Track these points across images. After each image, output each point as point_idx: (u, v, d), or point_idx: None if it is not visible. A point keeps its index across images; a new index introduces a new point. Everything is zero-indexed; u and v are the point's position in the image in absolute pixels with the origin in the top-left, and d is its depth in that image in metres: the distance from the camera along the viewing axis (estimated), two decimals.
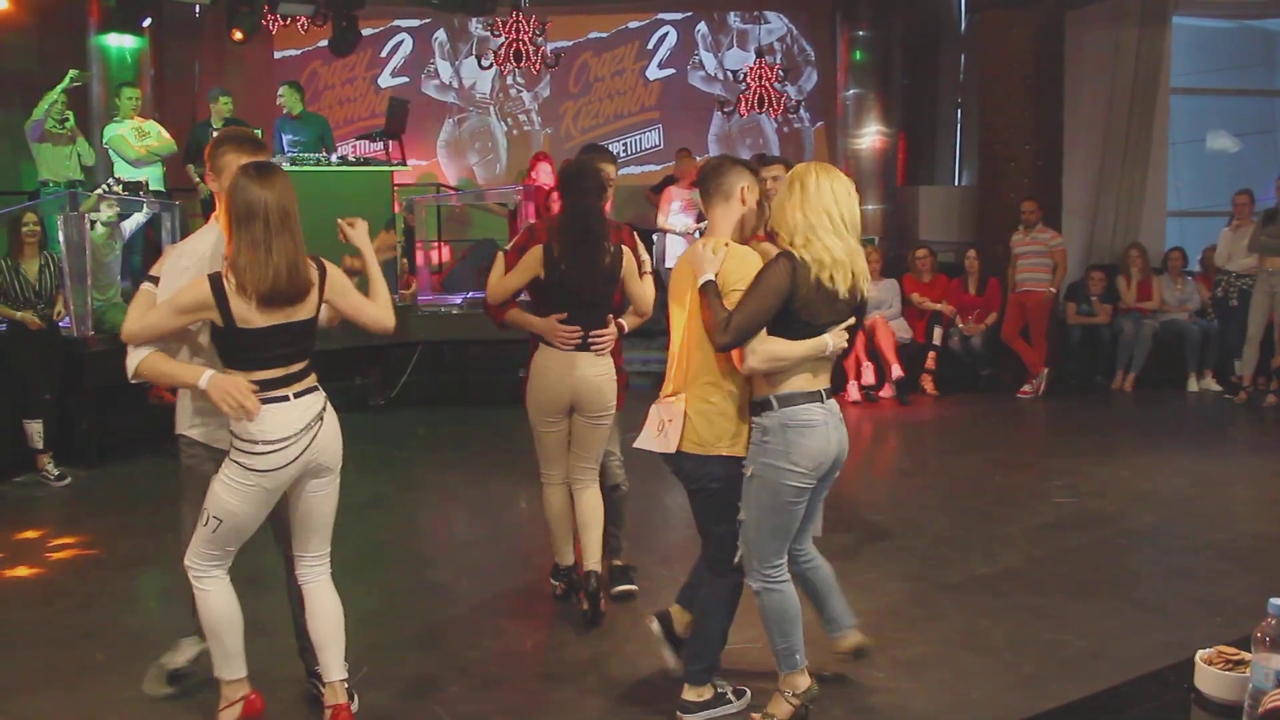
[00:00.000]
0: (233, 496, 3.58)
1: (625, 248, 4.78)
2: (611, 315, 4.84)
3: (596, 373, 4.77)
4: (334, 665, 3.80)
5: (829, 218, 3.64)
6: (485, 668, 4.47)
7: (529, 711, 4.11)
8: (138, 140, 9.65)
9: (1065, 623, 4.84)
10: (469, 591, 5.40)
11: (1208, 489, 7.13)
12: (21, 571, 5.77)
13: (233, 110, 10.48)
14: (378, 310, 3.87)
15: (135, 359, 3.61)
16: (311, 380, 3.67)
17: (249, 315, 3.48)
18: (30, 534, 6.41)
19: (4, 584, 5.59)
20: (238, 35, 11.32)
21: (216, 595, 3.71)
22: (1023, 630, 4.76)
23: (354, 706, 3.86)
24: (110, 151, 9.79)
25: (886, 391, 9.95)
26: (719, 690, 4.03)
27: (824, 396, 3.73)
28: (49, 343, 7.59)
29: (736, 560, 3.85)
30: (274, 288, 3.47)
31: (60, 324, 7.81)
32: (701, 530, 4.02)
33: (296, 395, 3.60)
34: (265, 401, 3.54)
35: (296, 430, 3.57)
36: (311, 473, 3.66)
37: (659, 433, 3.87)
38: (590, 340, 4.74)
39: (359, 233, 4.03)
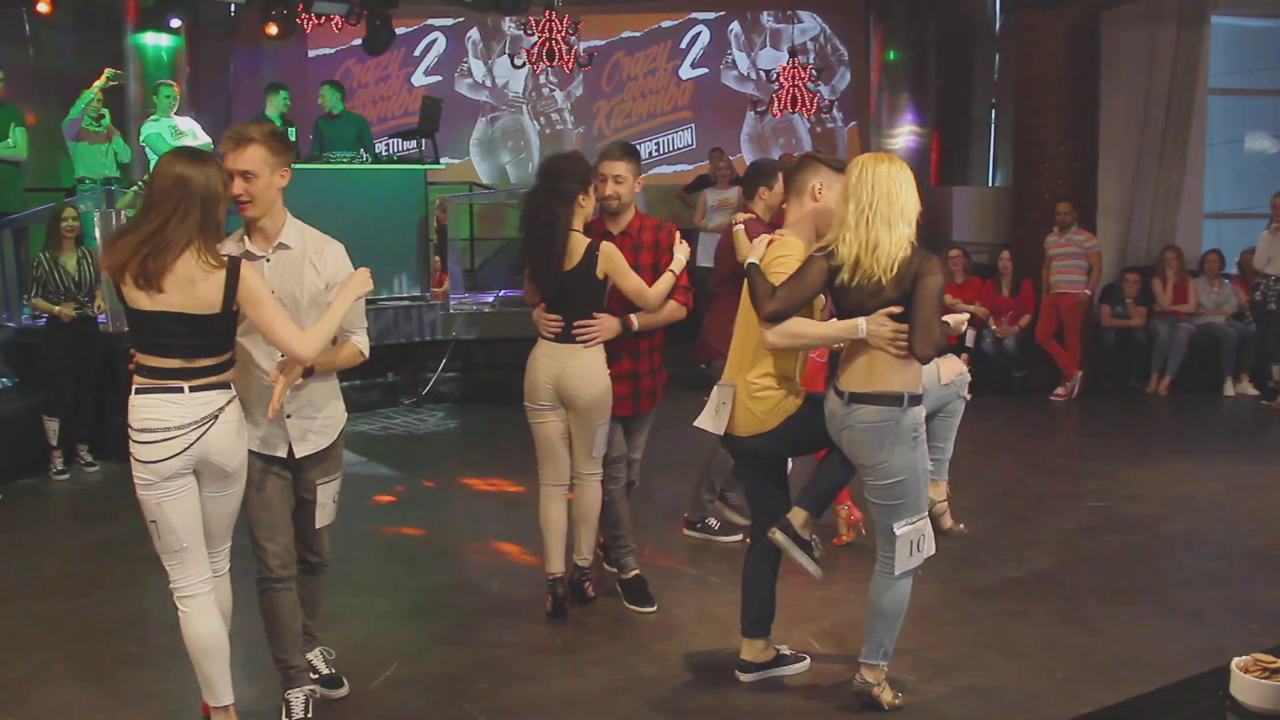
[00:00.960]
0: (142, 493, 3.54)
1: (607, 246, 4.79)
2: (603, 310, 4.84)
3: (578, 364, 4.80)
4: (216, 685, 3.65)
5: (859, 206, 3.71)
6: (514, 664, 4.48)
7: (558, 709, 4.11)
8: (174, 138, 9.72)
9: (1098, 627, 4.80)
10: (498, 589, 5.41)
11: (1243, 494, 7.05)
12: (56, 564, 5.82)
13: (288, 107, 10.57)
14: (290, 332, 3.52)
15: None
16: (219, 378, 3.51)
17: (133, 295, 3.40)
18: (65, 527, 6.48)
19: (39, 576, 5.64)
20: (272, 30, 11.39)
21: (193, 618, 3.58)
22: (1054, 634, 4.73)
23: None
24: (146, 149, 9.88)
25: None
26: (781, 652, 4.27)
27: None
28: (85, 337, 7.67)
29: None
30: (126, 265, 3.35)
31: (99, 318, 7.88)
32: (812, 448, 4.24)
33: (193, 389, 3.45)
34: (157, 391, 3.46)
35: (183, 424, 3.44)
36: (208, 473, 3.53)
37: (715, 414, 4.10)
38: (574, 331, 4.79)
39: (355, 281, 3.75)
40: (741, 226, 5.53)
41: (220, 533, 3.69)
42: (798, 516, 4.03)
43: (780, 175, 5.39)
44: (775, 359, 3.99)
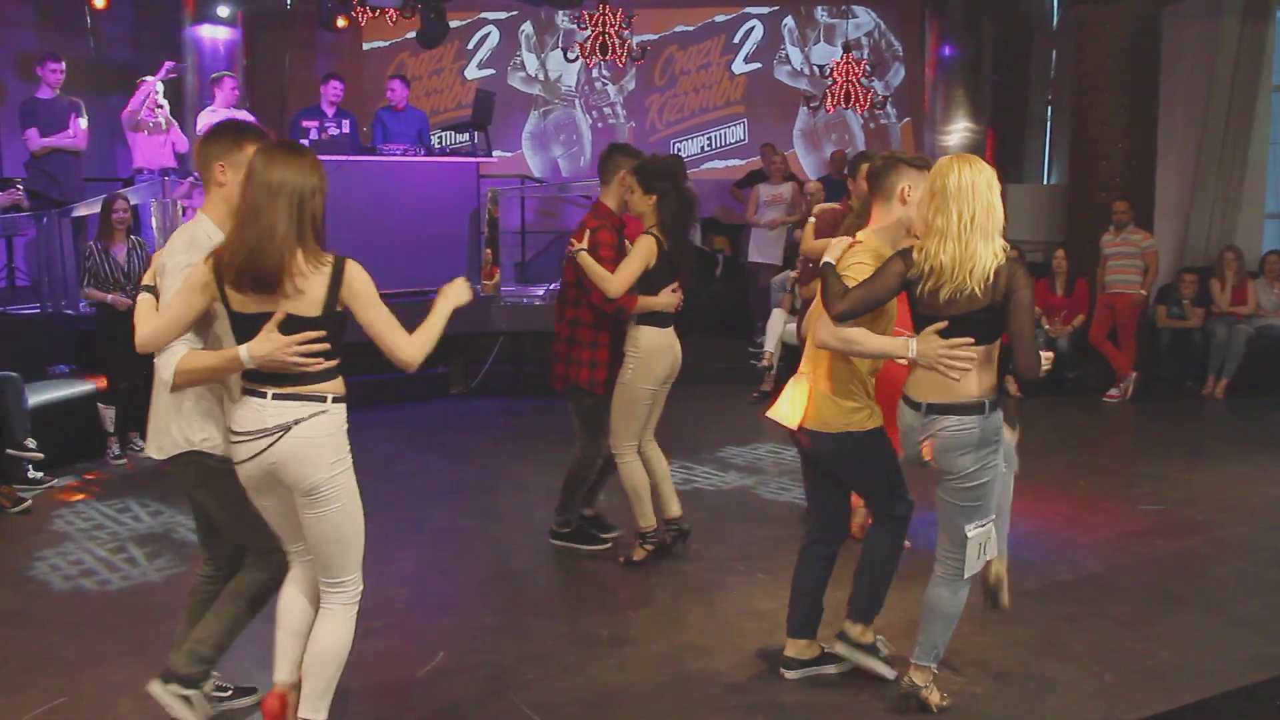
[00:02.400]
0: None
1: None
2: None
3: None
4: (308, 699, 3.48)
5: (960, 217, 3.65)
6: (561, 657, 4.49)
7: (603, 702, 4.12)
8: None
9: (1149, 633, 4.74)
10: (546, 581, 5.43)
11: None
12: (109, 548, 5.91)
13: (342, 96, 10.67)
14: (399, 338, 3.42)
15: (170, 362, 3.44)
16: (308, 389, 3.34)
17: (236, 297, 3.30)
18: (119, 511, 6.57)
19: (93, 559, 5.74)
20: (341, 23, 11.48)
21: (283, 591, 3.66)
22: (1105, 638, 4.67)
23: None
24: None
25: None
26: (878, 639, 4.29)
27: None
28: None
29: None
30: (242, 265, 3.23)
31: None
32: (865, 494, 4.33)
33: (275, 397, 3.32)
34: (247, 393, 3.36)
35: (255, 430, 3.32)
36: (288, 486, 3.37)
37: (789, 407, 4.14)
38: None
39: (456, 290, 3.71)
40: (813, 220, 5.85)
41: (323, 560, 3.46)
42: (853, 629, 4.21)
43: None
44: (852, 363, 3.98)
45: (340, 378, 3.42)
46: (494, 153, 11.83)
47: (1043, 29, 13.42)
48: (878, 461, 4.11)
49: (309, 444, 3.31)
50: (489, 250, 10.69)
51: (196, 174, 8.94)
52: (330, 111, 10.29)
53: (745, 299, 11.61)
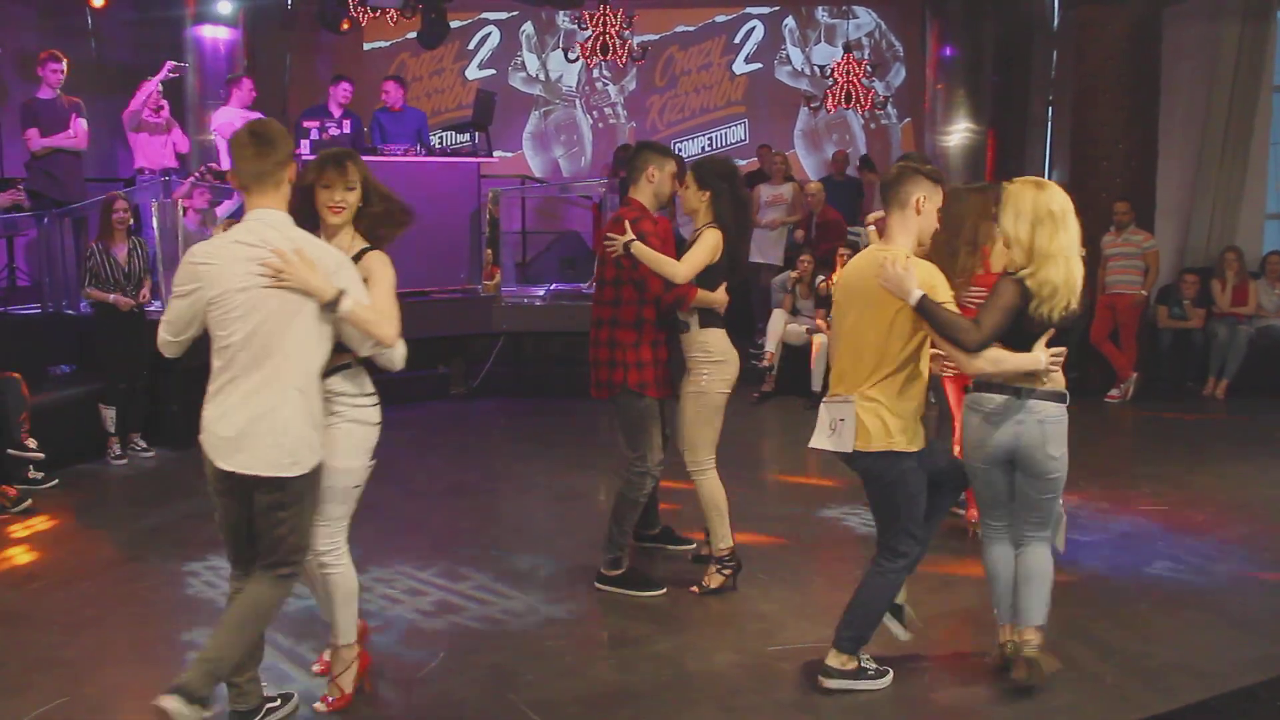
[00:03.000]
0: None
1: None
2: None
3: None
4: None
5: (1070, 240, 3.98)
6: (561, 658, 4.50)
7: (603, 703, 4.12)
8: None
9: (1150, 634, 4.74)
10: (547, 581, 5.42)
11: None
12: (112, 549, 5.92)
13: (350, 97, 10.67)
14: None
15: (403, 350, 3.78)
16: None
17: None
18: (119, 512, 6.58)
19: (95, 561, 5.74)
20: (345, 25, 11.48)
21: (350, 568, 3.96)
22: (1106, 639, 4.67)
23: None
24: (217, 136, 10.11)
25: None
26: (863, 664, 4.20)
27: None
28: (137, 326, 7.78)
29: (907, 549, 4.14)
30: None
31: (148, 307, 7.98)
32: (878, 519, 4.23)
33: None
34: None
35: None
36: None
37: (833, 432, 4.09)
38: None
39: None
40: (873, 228, 5.66)
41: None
42: (835, 660, 4.16)
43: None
44: (903, 383, 4.03)
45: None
46: (495, 153, 11.83)
47: (1043, 30, 13.40)
48: (903, 487, 4.07)
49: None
50: (489, 251, 10.69)
51: (197, 174, 9.02)
52: (337, 112, 10.30)
53: (746, 299, 11.60)
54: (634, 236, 4.90)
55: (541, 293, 10.64)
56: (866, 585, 4.19)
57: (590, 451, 8.05)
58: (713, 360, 5.07)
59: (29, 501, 6.56)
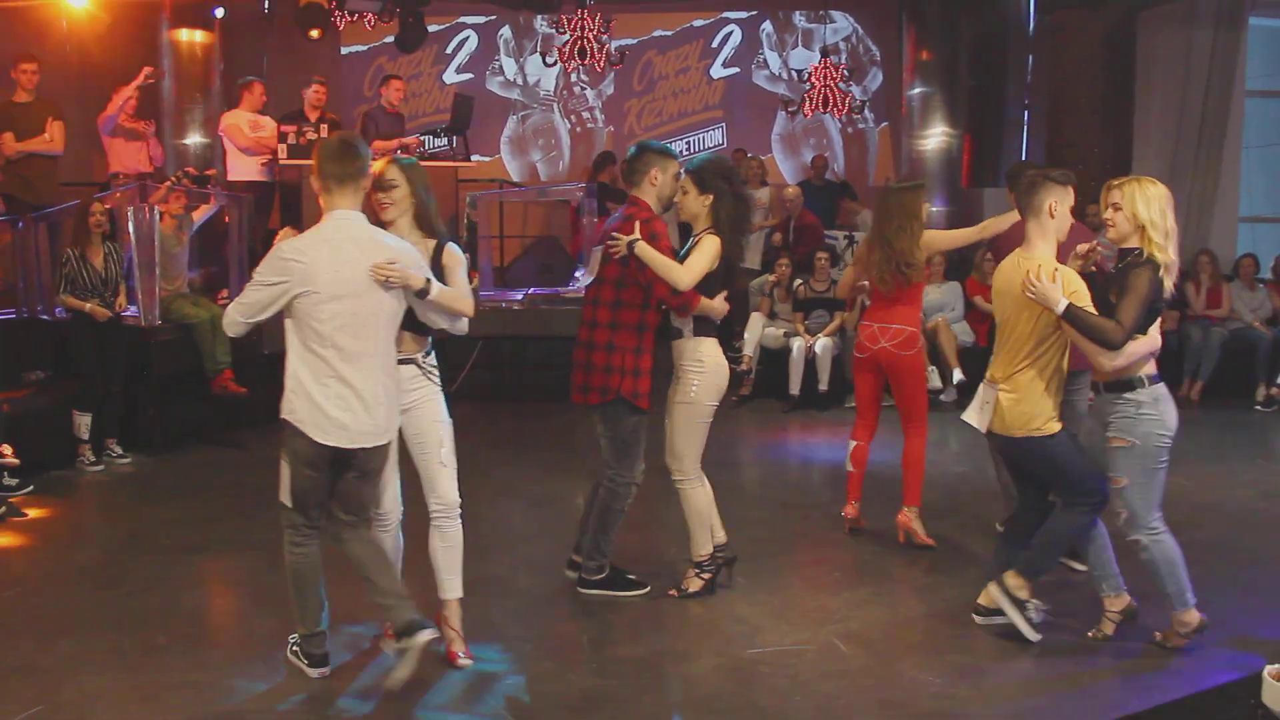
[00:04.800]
0: None
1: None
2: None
3: None
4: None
5: (1167, 223, 4.34)
6: (540, 661, 4.49)
7: (583, 706, 4.12)
8: (251, 132, 9.90)
9: (1127, 633, 4.75)
10: (525, 586, 5.42)
11: (1276, 501, 6.98)
12: (87, 555, 5.88)
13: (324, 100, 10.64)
14: None
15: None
16: None
17: None
18: (95, 519, 6.54)
19: (71, 567, 5.70)
20: (315, 33, 11.44)
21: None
22: (1083, 640, 4.69)
23: None
24: (224, 139, 10.14)
25: (949, 395, 9.81)
26: (1030, 602, 4.58)
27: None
28: (112, 333, 7.73)
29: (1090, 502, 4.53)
30: None
31: (123, 313, 7.94)
32: (1047, 483, 4.67)
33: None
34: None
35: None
36: None
37: (979, 411, 4.62)
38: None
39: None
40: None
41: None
42: (1011, 580, 4.54)
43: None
44: (1044, 375, 4.47)
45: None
46: (472, 157, 11.81)
47: (1019, 35, 13.47)
48: (1059, 458, 4.49)
49: None
50: (467, 255, 10.65)
51: (173, 179, 8.96)
52: (313, 115, 10.24)
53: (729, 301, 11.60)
54: (638, 237, 4.79)
55: (519, 296, 10.62)
56: (1054, 519, 4.57)
57: (568, 456, 8.05)
58: (704, 372, 4.98)
59: (2, 509, 6.51)
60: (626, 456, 5.03)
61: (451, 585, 4.51)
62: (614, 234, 4.85)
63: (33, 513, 6.60)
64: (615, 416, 5.00)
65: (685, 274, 4.81)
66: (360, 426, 4.03)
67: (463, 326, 4.40)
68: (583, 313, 5.11)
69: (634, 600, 5.13)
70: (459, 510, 4.46)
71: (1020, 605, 4.54)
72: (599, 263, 5.08)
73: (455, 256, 4.41)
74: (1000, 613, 4.59)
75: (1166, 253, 4.34)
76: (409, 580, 4.36)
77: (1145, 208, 4.35)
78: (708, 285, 4.95)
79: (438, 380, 4.48)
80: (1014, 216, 5.37)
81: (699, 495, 5.08)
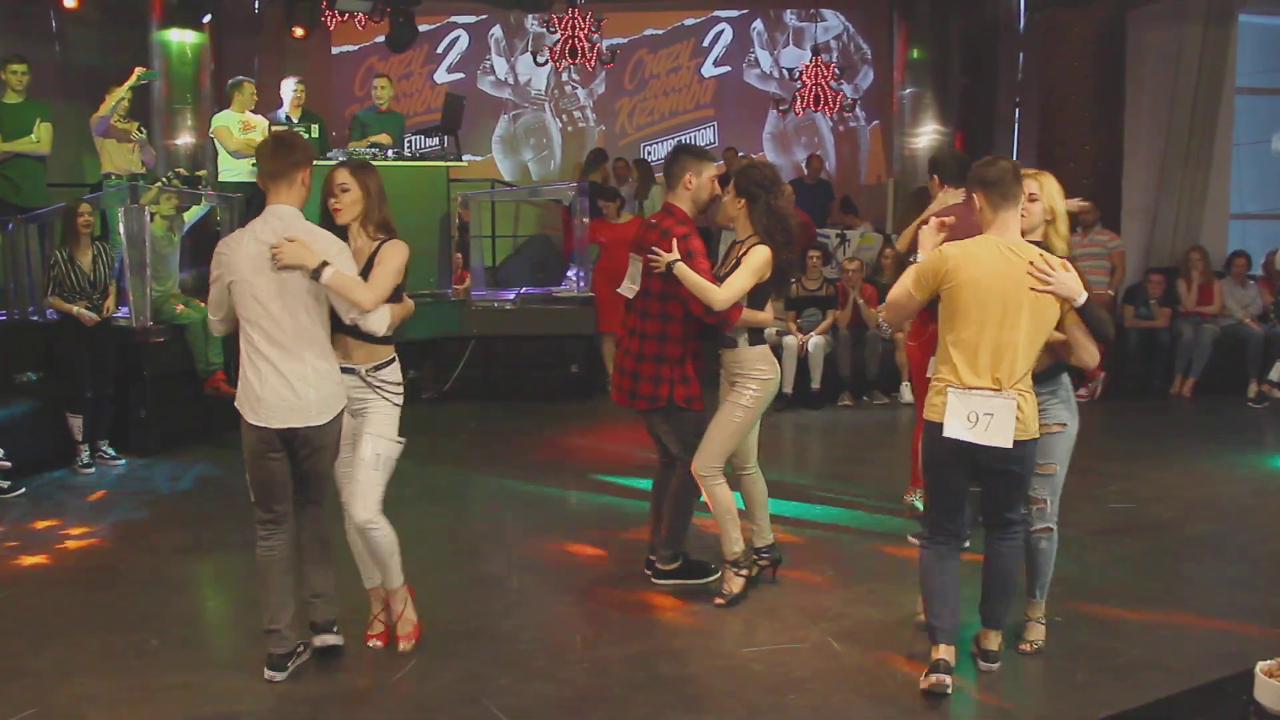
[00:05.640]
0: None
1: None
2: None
3: None
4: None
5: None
6: (534, 661, 4.48)
7: (577, 705, 4.11)
8: (241, 133, 9.88)
9: (1119, 630, 4.78)
10: (519, 585, 5.41)
11: (1268, 497, 7.00)
12: (78, 557, 5.86)
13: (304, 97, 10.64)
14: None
15: (381, 321, 4.24)
16: None
17: None
18: (89, 521, 6.52)
19: (64, 569, 5.69)
20: (299, 32, 11.43)
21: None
22: (1075, 637, 4.69)
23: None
24: (214, 140, 10.12)
25: None
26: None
27: None
28: (101, 335, 7.71)
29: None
30: None
31: (112, 317, 7.91)
32: (1005, 501, 4.24)
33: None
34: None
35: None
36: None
37: (972, 425, 4.05)
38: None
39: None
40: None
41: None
42: (994, 641, 4.36)
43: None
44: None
45: None
46: (464, 157, 11.80)
47: (1010, 32, 13.51)
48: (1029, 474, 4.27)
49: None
50: (459, 255, 10.67)
51: (164, 179, 8.93)
52: (295, 114, 10.25)
53: None
54: (679, 256, 4.77)
55: (512, 296, 10.62)
56: (1008, 560, 4.33)
57: (560, 456, 8.05)
58: (763, 377, 4.97)
59: None
60: (692, 452, 5.03)
61: (385, 578, 4.56)
62: (654, 250, 4.84)
63: (24, 515, 6.58)
64: (672, 418, 5.07)
65: (722, 294, 4.76)
66: (288, 405, 4.09)
67: (373, 325, 4.23)
68: (628, 321, 5.13)
69: (707, 585, 5.17)
70: (372, 527, 4.33)
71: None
72: (641, 274, 5.04)
73: (390, 251, 4.32)
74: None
75: (1067, 244, 4.37)
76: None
77: (1059, 200, 4.37)
78: (757, 295, 4.92)
79: (391, 396, 4.42)
80: (951, 199, 5.33)
81: (724, 493, 5.04)
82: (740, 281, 4.81)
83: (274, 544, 4.26)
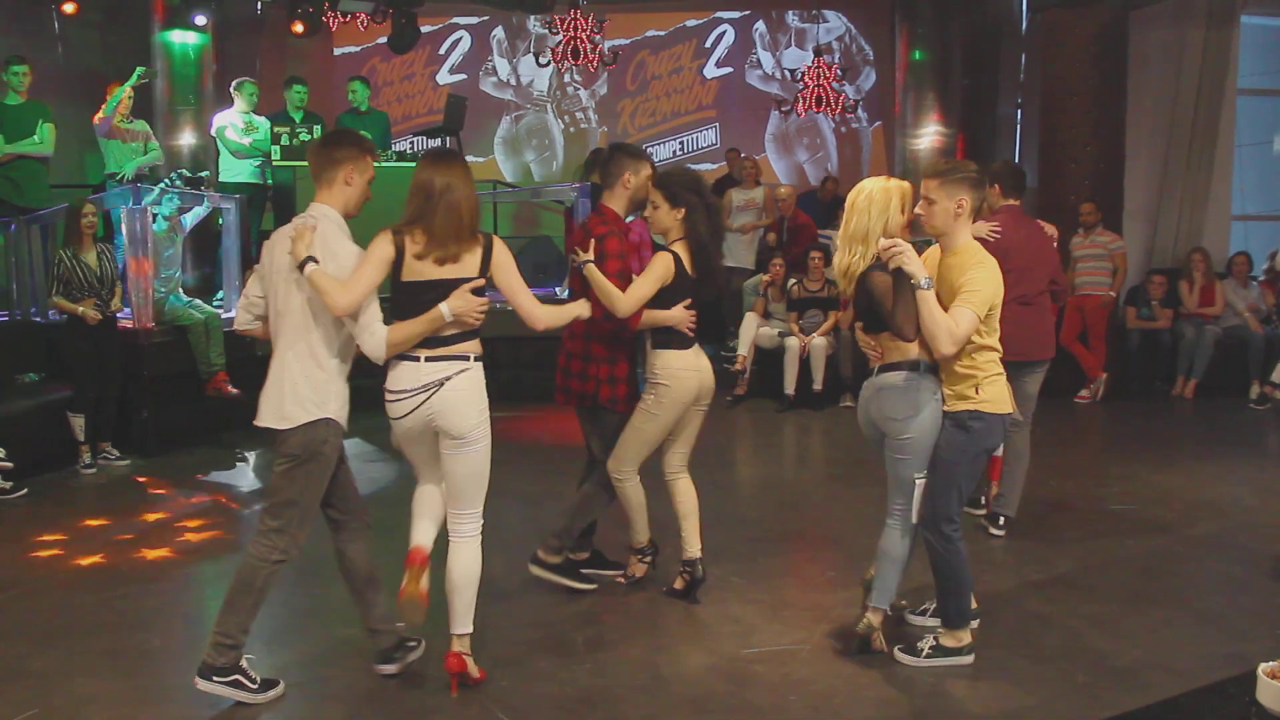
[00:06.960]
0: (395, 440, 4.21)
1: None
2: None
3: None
4: (456, 618, 4.18)
5: None
6: (535, 661, 4.49)
7: (578, 706, 4.11)
8: (243, 134, 9.91)
9: (1121, 631, 4.77)
10: (520, 586, 5.41)
11: (1269, 499, 7.00)
12: (82, 558, 5.86)
13: (306, 100, 10.72)
14: (528, 301, 4.31)
15: (379, 337, 3.98)
16: (455, 349, 4.09)
17: (416, 268, 4.00)
18: (91, 521, 6.52)
19: (66, 570, 5.69)
20: (299, 28, 11.45)
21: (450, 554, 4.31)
22: (1077, 638, 4.70)
23: (471, 668, 4.20)
24: (217, 140, 10.25)
25: None
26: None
27: None
28: (106, 334, 7.72)
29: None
30: (429, 243, 3.99)
31: (118, 315, 7.93)
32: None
33: (427, 359, 4.03)
34: (399, 358, 4.03)
35: (411, 388, 4.01)
36: (441, 433, 4.07)
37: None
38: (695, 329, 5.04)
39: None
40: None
41: (456, 492, 4.16)
42: (951, 638, 4.44)
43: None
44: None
45: (479, 339, 4.18)
46: (466, 158, 11.79)
47: (1012, 33, 13.52)
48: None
49: (460, 395, 4.06)
50: None
51: (167, 180, 8.94)
52: (297, 116, 10.30)
53: (718, 304, 11.61)
54: (592, 258, 4.83)
55: None
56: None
57: (562, 456, 8.04)
58: (661, 383, 4.94)
59: None
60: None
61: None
62: (574, 249, 4.95)
63: (27, 515, 6.59)
64: (596, 418, 5.16)
65: (624, 301, 4.80)
66: (270, 404, 4.06)
67: (367, 346, 4.00)
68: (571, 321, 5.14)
69: (585, 592, 5.23)
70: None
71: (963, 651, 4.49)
72: (571, 274, 5.12)
73: (372, 245, 4.14)
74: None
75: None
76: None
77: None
78: (663, 298, 4.90)
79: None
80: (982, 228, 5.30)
81: (634, 490, 5.12)
82: (641, 289, 4.83)
83: (339, 547, 4.27)
